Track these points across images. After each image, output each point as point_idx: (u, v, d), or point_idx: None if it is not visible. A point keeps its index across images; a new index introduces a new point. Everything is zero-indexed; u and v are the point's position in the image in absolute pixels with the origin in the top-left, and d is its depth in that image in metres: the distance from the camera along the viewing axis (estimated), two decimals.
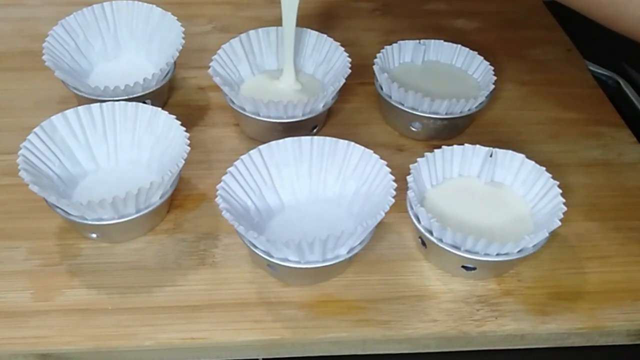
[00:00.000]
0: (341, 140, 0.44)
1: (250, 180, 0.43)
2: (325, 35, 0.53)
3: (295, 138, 0.44)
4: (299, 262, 0.39)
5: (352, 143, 0.43)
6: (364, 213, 0.42)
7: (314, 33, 0.53)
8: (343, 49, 0.51)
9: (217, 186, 0.40)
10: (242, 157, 0.42)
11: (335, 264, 0.39)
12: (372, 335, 0.39)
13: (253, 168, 0.43)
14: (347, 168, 0.44)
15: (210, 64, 0.50)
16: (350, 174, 0.44)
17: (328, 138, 0.44)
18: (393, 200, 0.39)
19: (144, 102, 0.47)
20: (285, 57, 0.51)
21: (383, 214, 0.38)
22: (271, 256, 0.39)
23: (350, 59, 0.50)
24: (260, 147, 0.43)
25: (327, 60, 0.53)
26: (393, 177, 0.41)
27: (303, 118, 0.48)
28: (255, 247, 0.39)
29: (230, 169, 0.42)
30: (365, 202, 0.43)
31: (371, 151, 0.43)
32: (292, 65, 0.51)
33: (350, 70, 0.49)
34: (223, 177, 0.41)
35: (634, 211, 0.47)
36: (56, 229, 0.44)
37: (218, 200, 0.39)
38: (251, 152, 0.43)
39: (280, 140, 0.44)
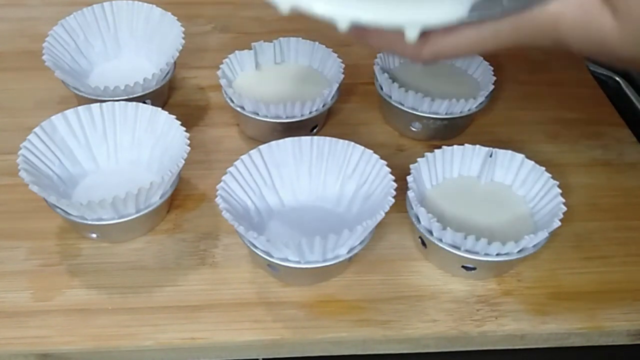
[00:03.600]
0: (341, 140, 0.44)
1: (250, 180, 0.43)
2: (317, 42, 0.53)
3: (296, 138, 0.44)
4: (299, 262, 0.39)
5: (352, 143, 0.43)
6: (364, 213, 0.42)
7: (308, 42, 0.53)
8: (336, 54, 0.52)
9: (217, 186, 0.40)
10: (242, 157, 0.43)
11: (335, 264, 0.39)
12: (372, 335, 0.39)
13: (253, 168, 0.43)
14: (347, 168, 0.44)
15: (221, 66, 0.50)
16: (350, 174, 0.44)
17: (328, 138, 0.44)
18: (393, 200, 0.39)
19: (144, 102, 0.47)
20: None
21: (383, 214, 0.38)
22: (271, 256, 0.39)
23: (343, 65, 0.51)
24: (261, 147, 0.43)
25: (321, 67, 0.53)
26: (393, 177, 0.41)
27: (303, 118, 0.48)
28: (255, 247, 0.39)
29: (230, 169, 0.42)
30: (365, 202, 0.43)
31: (371, 151, 0.43)
32: None
33: (343, 76, 0.50)
34: (223, 177, 0.41)
35: (634, 211, 0.47)
36: (56, 229, 0.44)
37: (218, 200, 0.39)
38: (251, 152, 0.43)
39: (281, 140, 0.44)
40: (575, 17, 0.29)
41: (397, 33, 0.29)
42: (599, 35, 0.29)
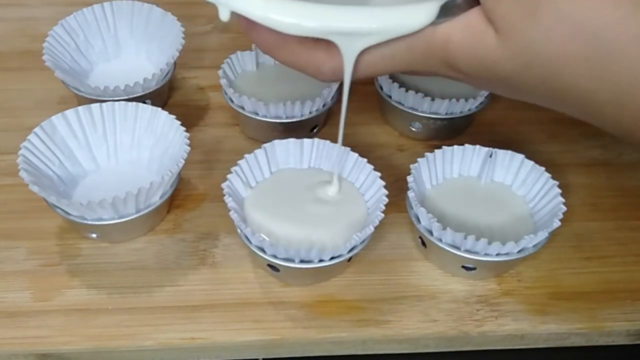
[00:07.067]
0: (337, 145, 0.43)
1: (252, 179, 0.43)
2: None
3: (298, 140, 0.44)
4: (299, 263, 0.39)
5: (348, 149, 0.43)
6: None
7: None
8: None
9: (223, 185, 0.41)
10: (246, 155, 0.43)
11: (335, 264, 0.39)
12: (372, 335, 0.39)
13: (256, 167, 0.43)
14: (341, 174, 0.44)
15: (222, 65, 0.50)
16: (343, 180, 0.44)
17: (327, 142, 0.44)
18: (382, 215, 0.39)
19: (144, 102, 0.47)
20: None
21: (372, 229, 0.39)
22: (273, 257, 0.39)
23: None
24: (265, 145, 0.43)
25: None
26: (386, 192, 0.41)
27: (303, 118, 0.48)
28: (256, 247, 0.39)
29: (235, 167, 0.42)
30: None
31: (365, 160, 0.43)
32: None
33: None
34: (228, 176, 0.41)
35: (634, 211, 0.47)
36: (56, 229, 0.44)
37: (226, 199, 0.39)
38: (256, 151, 0.43)
39: (284, 140, 0.44)
40: (463, 36, 0.31)
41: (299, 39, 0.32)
42: (483, 52, 0.31)
